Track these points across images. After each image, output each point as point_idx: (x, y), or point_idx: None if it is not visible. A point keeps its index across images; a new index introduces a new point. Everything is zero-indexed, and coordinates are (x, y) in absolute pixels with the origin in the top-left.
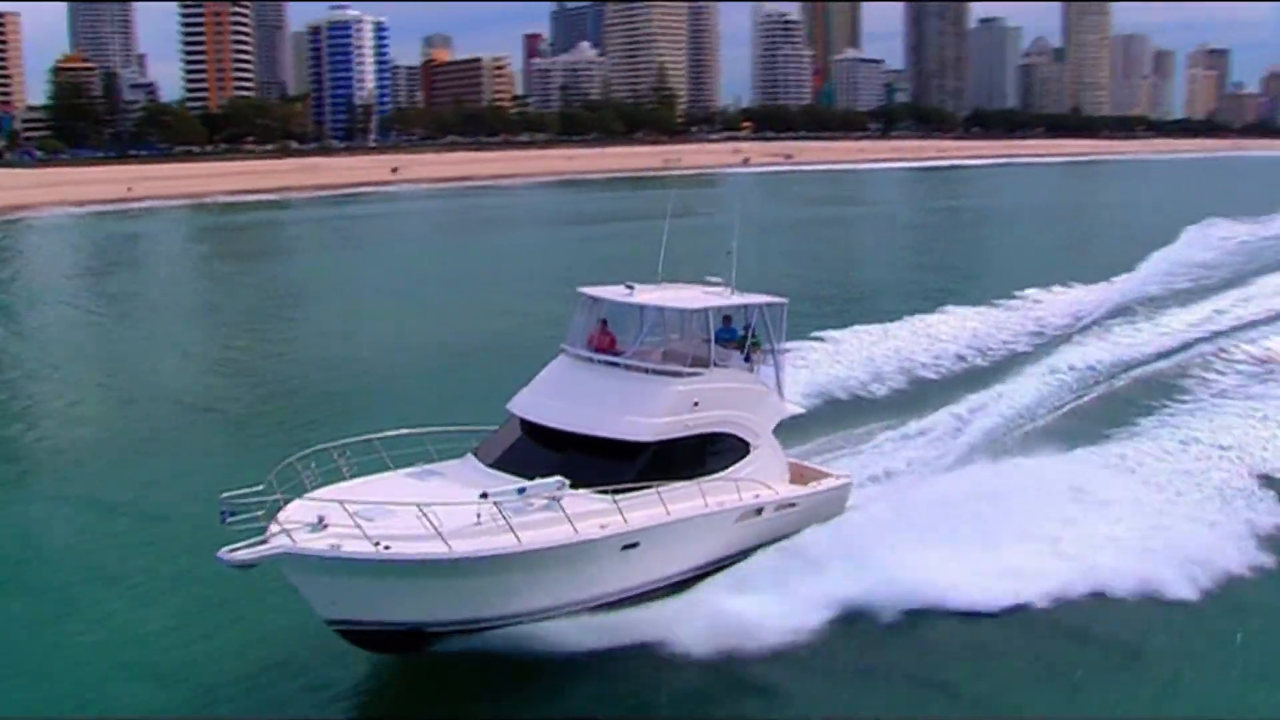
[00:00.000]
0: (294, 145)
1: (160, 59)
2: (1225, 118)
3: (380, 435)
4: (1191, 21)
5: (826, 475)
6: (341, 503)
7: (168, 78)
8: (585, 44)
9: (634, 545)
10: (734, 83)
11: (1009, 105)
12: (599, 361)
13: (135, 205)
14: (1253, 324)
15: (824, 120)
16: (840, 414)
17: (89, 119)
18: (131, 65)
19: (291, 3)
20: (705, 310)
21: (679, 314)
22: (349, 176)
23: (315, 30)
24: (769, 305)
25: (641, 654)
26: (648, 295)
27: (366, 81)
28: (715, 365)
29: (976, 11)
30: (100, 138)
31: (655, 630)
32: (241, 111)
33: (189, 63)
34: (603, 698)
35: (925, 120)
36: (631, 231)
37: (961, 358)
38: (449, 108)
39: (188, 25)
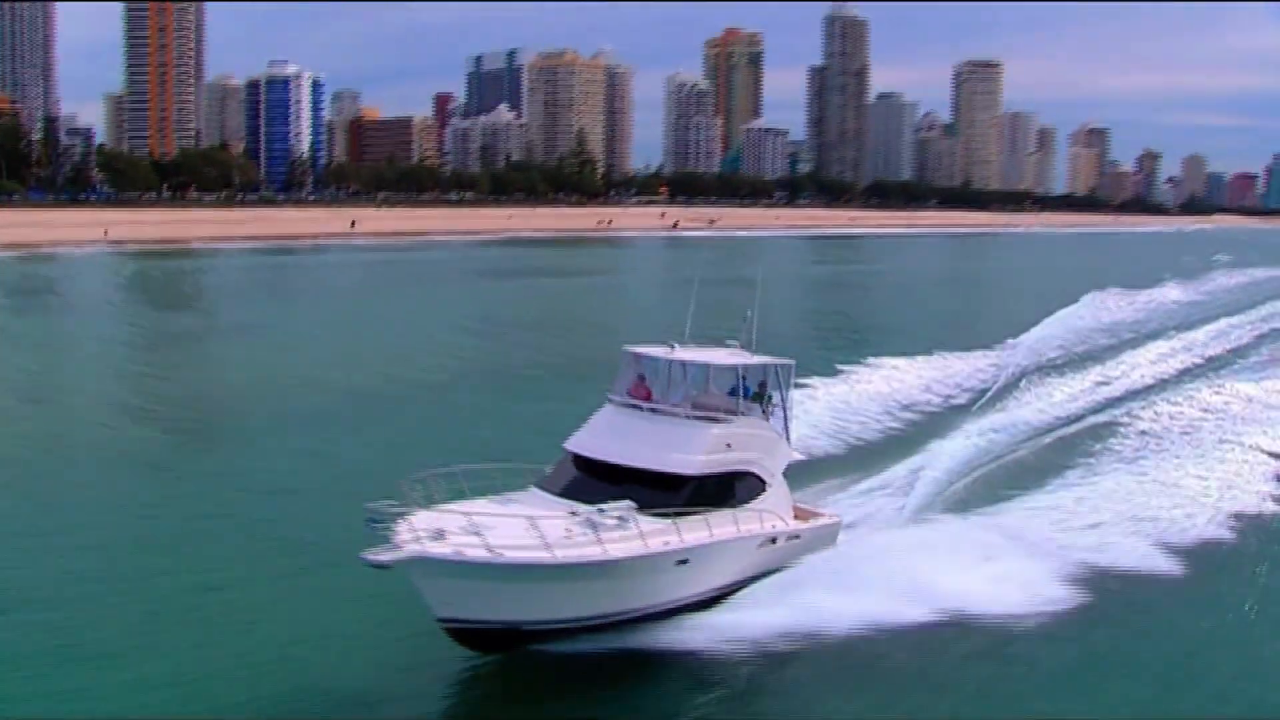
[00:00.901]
0: (239, 195)
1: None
2: (1105, 193)
3: (465, 467)
4: (1074, 100)
5: (821, 514)
6: (467, 514)
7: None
8: (503, 106)
9: (685, 561)
10: (644, 146)
11: (905, 177)
12: (645, 409)
13: (133, 247)
14: (1145, 389)
15: (735, 187)
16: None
17: (26, 162)
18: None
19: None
20: (735, 368)
21: (711, 370)
22: (309, 228)
23: (254, 84)
24: (780, 365)
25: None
26: (687, 354)
27: (303, 136)
28: (740, 414)
29: (876, 86)
30: (29, 181)
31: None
32: (192, 160)
33: (133, 107)
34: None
35: (828, 190)
36: (593, 285)
37: (890, 415)
38: (381, 164)
39: (134, 75)
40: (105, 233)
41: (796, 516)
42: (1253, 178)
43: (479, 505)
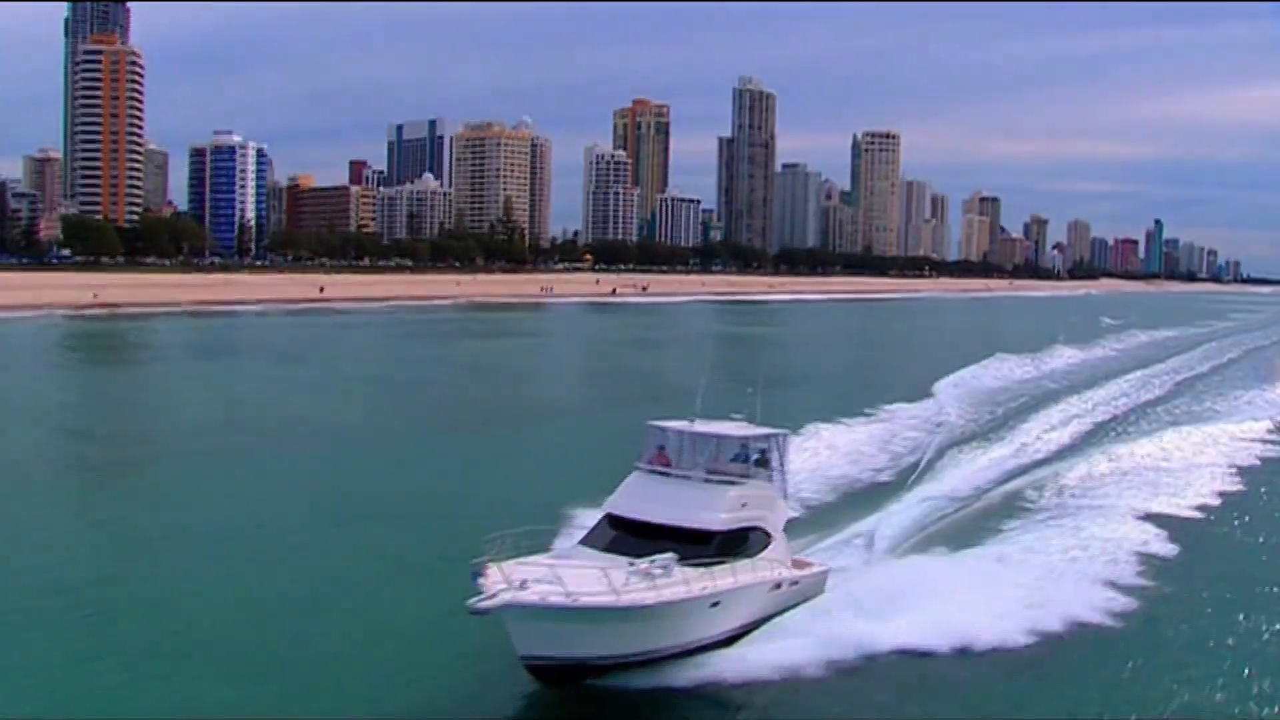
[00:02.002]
0: (195, 260)
1: None
2: (998, 259)
3: (529, 528)
4: (967, 168)
5: (812, 564)
6: (551, 565)
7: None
8: (429, 175)
9: (717, 604)
10: (559, 210)
11: (810, 243)
12: (673, 475)
13: (134, 310)
14: (1056, 454)
15: (654, 254)
16: None
17: None
18: None
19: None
20: (746, 438)
21: (723, 440)
22: (280, 292)
23: (200, 152)
24: (778, 435)
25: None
26: (702, 427)
27: (249, 203)
28: (749, 478)
29: (781, 156)
30: None
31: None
32: (155, 228)
33: (84, 176)
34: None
35: (740, 256)
36: (573, 343)
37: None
38: (323, 231)
39: (84, 138)
40: (95, 295)
41: (793, 566)
42: (1134, 243)
43: (543, 560)
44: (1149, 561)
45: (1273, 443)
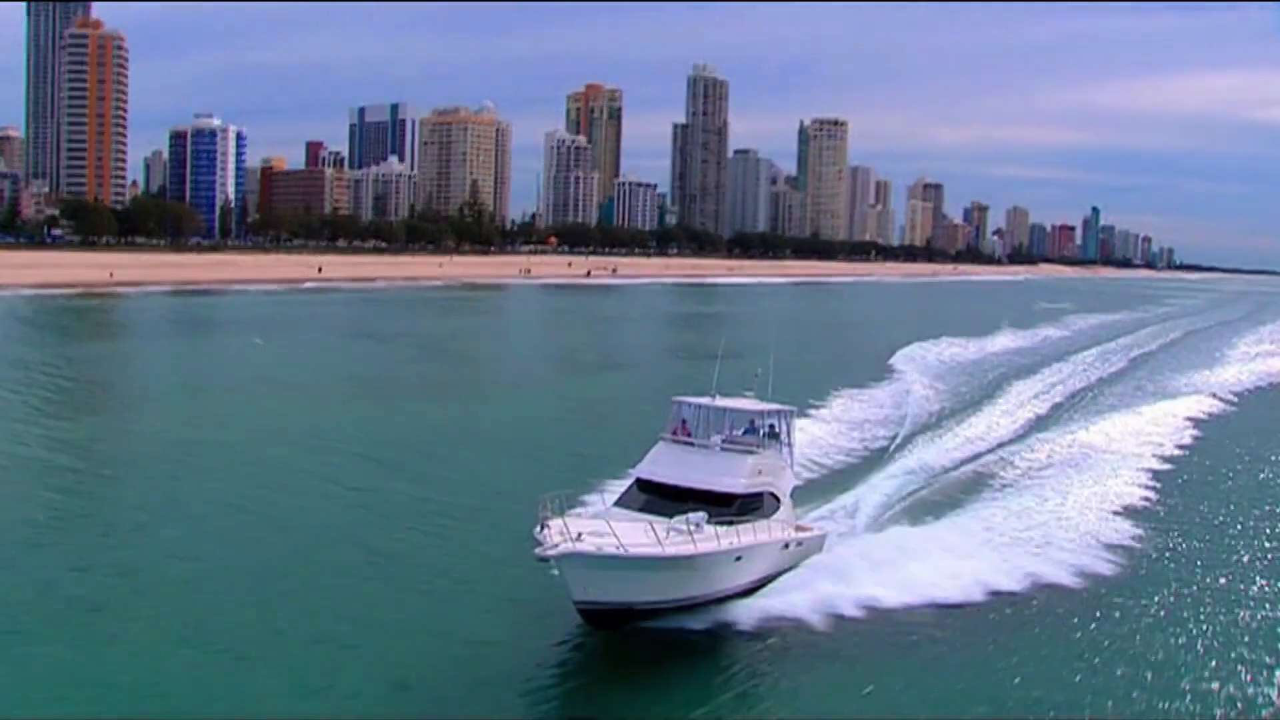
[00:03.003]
0: (184, 241)
1: None
2: (941, 244)
3: (568, 492)
4: (911, 153)
5: (811, 527)
6: (607, 521)
7: None
8: (394, 159)
9: (740, 558)
10: (518, 193)
11: (761, 228)
12: (696, 444)
13: (157, 288)
14: (1019, 435)
15: (615, 237)
16: None
17: None
18: None
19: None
20: (762, 412)
21: (738, 414)
22: (283, 273)
23: (180, 135)
24: (785, 410)
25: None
26: (724, 402)
27: (229, 185)
28: (761, 448)
29: (734, 141)
30: None
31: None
32: (147, 210)
33: (71, 157)
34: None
35: (696, 240)
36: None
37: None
38: (300, 211)
39: (73, 120)
40: (110, 274)
41: (797, 529)
42: (1071, 229)
43: (590, 517)
44: (1104, 531)
45: (1206, 421)
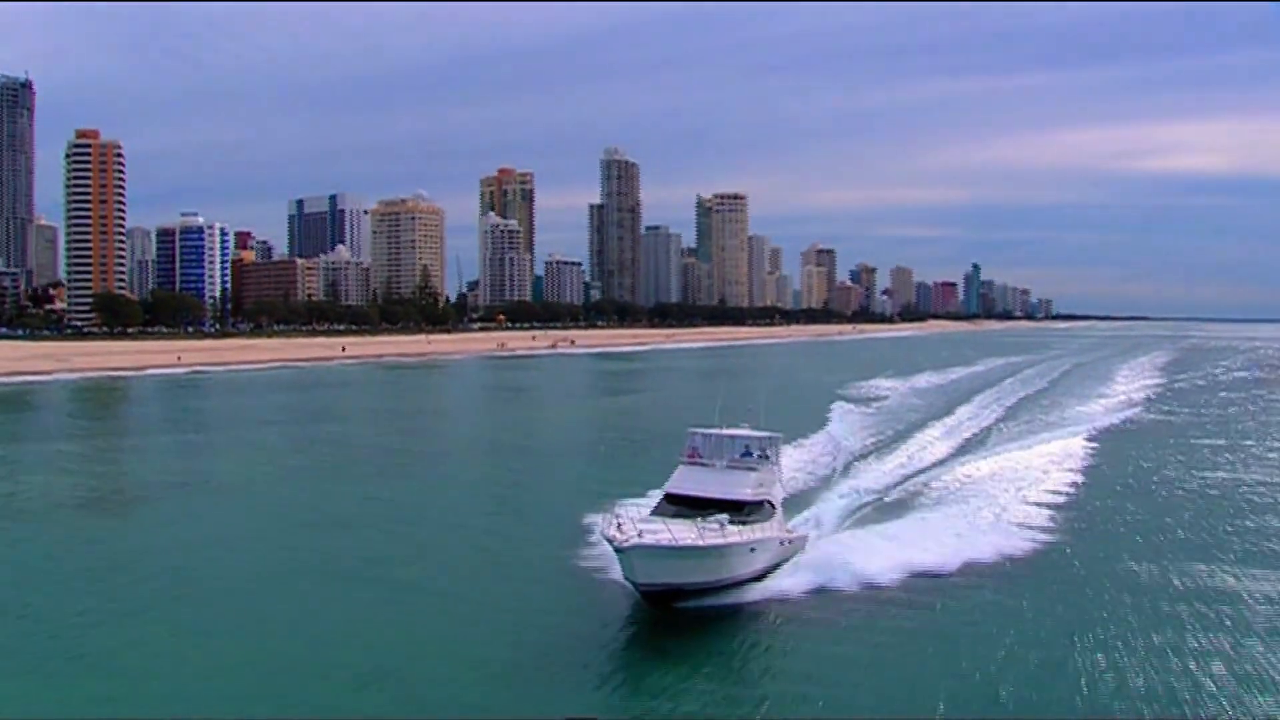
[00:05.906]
0: (191, 329)
1: None
2: (836, 305)
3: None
4: (802, 216)
5: (796, 530)
6: (663, 519)
7: None
8: (340, 246)
9: (753, 549)
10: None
11: (674, 298)
12: (707, 465)
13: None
14: (943, 461)
15: (555, 312)
16: None
17: None
18: None
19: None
20: (758, 439)
21: (739, 440)
22: (316, 352)
23: (168, 232)
24: (776, 437)
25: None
26: (728, 430)
27: (216, 278)
28: (759, 467)
29: (646, 219)
30: None
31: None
32: (164, 301)
33: (75, 254)
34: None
35: (621, 312)
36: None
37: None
38: (281, 299)
39: (75, 213)
40: (178, 358)
41: (788, 531)
42: (954, 285)
43: (643, 518)
44: (1026, 529)
45: (1094, 448)
